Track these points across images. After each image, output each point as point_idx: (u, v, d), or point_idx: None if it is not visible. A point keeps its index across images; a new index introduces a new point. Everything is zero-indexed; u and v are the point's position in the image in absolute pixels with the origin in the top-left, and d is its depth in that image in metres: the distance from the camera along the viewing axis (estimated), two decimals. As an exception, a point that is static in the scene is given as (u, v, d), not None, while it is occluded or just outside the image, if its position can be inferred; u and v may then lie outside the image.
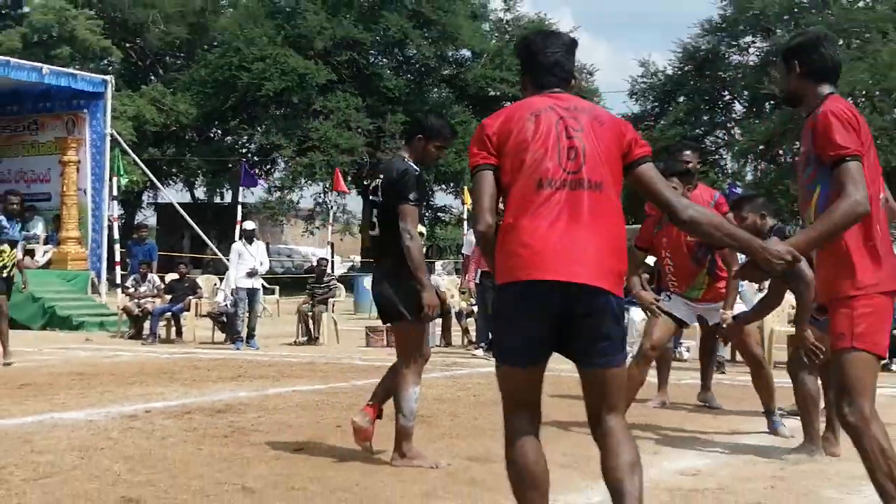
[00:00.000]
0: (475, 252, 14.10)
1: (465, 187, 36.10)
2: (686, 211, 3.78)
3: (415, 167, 5.98)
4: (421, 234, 9.67)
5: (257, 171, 37.90)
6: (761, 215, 7.04)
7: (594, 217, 3.63)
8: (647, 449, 6.92)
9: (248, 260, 15.60)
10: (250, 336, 15.45)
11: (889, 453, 4.00)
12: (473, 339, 15.30)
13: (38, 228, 21.80)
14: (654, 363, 8.28)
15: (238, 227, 23.85)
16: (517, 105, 3.89)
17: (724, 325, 7.63)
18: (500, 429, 7.47)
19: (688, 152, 8.77)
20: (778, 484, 5.75)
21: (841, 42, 42.50)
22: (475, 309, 15.17)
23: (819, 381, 6.64)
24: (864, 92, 39.35)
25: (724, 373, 11.88)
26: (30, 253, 12.41)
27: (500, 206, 3.80)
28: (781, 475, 6.04)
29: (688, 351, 13.46)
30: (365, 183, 6.41)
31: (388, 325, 6.72)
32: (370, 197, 6.23)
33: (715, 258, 7.75)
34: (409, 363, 6.06)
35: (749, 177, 40.20)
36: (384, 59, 44.18)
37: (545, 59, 3.92)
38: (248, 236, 16.13)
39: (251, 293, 15.59)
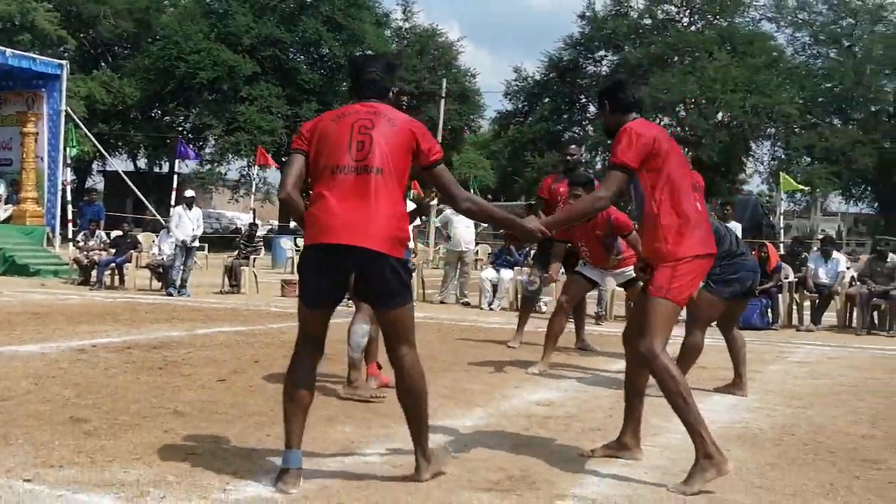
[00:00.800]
0: None
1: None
2: (464, 203, 4.14)
3: None
4: None
5: (191, 146, 37.47)
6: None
7: (376, 196, 3.85)
8: (511, 383, 7.04)
9: (186, 222, 15.41)
10: (182, 285, 15.25)
11: (676, 374, 4.22)
12: None
13: (0, 189, 21.26)
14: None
15: (174, 193, 23.59)
16: (331, 111, 4.15)
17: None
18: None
19: (573, 146, 9.20)
20: (614, 413, 5.88)
21: (676, 59, 43.44)
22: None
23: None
24: (692, 100, 40.29)
25: (599, 324, 12.19)
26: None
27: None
28: (618, 406, 6.16)
29: (545, 305, 13.68)
30: None
31: None
32: None
33: (620, 243, 7.97)
34: (361, 306, 6.09)
35: (598, 165, 40.88)
36: (302, 56, 43.89)
37: (363, 77, 4.13)
38: (189, 202, 15.91)
39: (188, 250, 15.40)
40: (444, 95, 41.25)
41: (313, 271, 3.94)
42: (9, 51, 22.46)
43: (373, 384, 6.26)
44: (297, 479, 3.86)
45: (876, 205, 46.55)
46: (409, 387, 4.03)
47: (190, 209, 15.67)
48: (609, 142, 4.83)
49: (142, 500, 3.61)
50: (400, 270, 3.92)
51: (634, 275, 7.86)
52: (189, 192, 16.72)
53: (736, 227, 13.07)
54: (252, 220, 22.63)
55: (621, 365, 8.07)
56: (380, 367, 6.28)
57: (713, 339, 7.28)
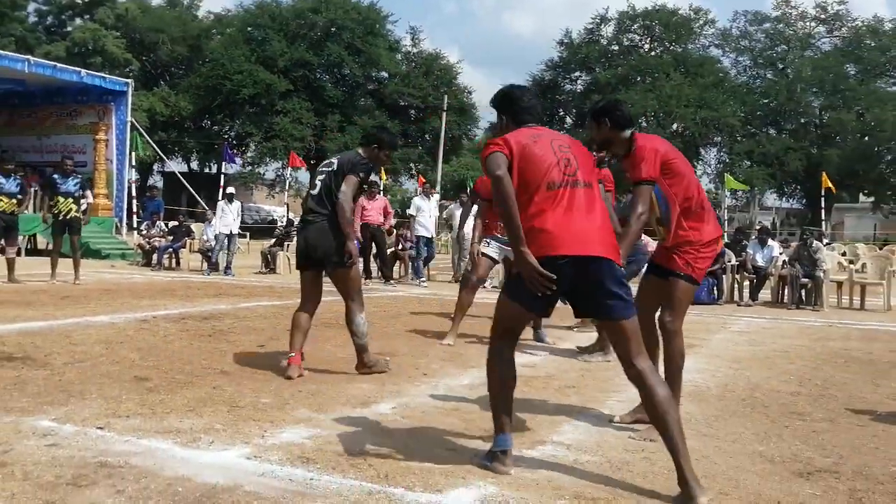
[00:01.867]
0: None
1: (381, 167, 36.07)
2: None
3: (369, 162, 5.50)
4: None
5: (235, 151, 37.47)
6: None
7: (592, 208, 3.39)
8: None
9: (227, 213, 15.42)
10: (227, 267, 15.25)
11: (683, 354, 4.29)
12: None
13: (90, 198, 21.36)
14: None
15: (221, 190, 23.60)
16: (520, 132, 3.53)
17: None
18: (402, 333, 7.50)
19: None
20: (585, 374, 5.90)
21: (639, 79, 43.33)
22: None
23: None
24: (652, 113, 40.25)
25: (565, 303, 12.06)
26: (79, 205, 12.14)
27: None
28: (587, 368, 6.19)
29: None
30: (324, 162, 5.60)
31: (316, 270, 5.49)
32: (324, 169, 5.45)
33: None
34: (354, 298, 5.41)
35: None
36: (327, 76, 43.84)
37: (524, 105, 3.70)
38: (229, 197, 15.91)
39: (230, 237, 15.40)
40: (445, 109, 41.21)
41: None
42: (84, 71, 22.53)
43: (294, 372, 5.30)
44: (511, 459, 3.47)
45: (804, 201, 46.47)
46: (658, 399, 3.29)
47: (231, 203, 15.68)
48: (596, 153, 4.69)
49: (194, 445, 3.62)
50: (622, 279, 3.38)
51: None
52: (230, 189, 16.73)
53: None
54: (286, 213, 22.73)
55: (584, 335, 8.10)
56: (302, 357, 5.50)
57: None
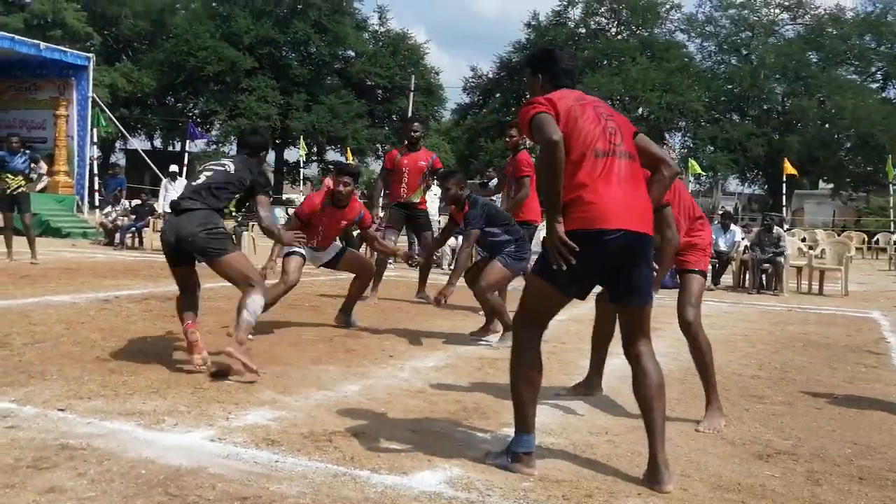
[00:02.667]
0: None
1: (348, 147, 35.85)
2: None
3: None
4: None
5: (200, 129, 37.05)
6: (460, 186, 6.56)
7: (636, 180, 3.20)
8: (465, 331, 7.02)
9: (171, 192, 15.37)
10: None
11: (708, 345, 4.36)
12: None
13: (43, 168, 20.95)
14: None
15: (185, 168, 23.36)
16: (560, 91, 3.29)
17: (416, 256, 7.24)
18: (368, 315, 7.47)
19: (416, 124, 8.32)
20: (550, 356, 5.85)
21: (605, 62, 43.50)
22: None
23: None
24: (618, 97, 40.46)
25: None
26: (30, 180, 11.85)
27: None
28: (553, 351, 6.19)
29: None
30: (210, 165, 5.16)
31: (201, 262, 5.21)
32: (214, 167, 5.08)
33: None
34: (251, 281, 4.96)
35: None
36: (293, 54, 43.48)
37: (565, 66, 3.42)
38: (173, 176, 15.85)
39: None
40: (412, 89, 41.06)
41: (585, 257, 3.05)
42: (43, 44, 21.99)
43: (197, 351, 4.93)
44: (534, 460, 3.27)
45: (766, 186, 47.09)
46: (650, 382, 3.23)
47: (174, 181, 15.61)
48: None
49: (158, 427, 3.59)
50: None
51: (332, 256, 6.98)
52: (172, 167, 16.58)
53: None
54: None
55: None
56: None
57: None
